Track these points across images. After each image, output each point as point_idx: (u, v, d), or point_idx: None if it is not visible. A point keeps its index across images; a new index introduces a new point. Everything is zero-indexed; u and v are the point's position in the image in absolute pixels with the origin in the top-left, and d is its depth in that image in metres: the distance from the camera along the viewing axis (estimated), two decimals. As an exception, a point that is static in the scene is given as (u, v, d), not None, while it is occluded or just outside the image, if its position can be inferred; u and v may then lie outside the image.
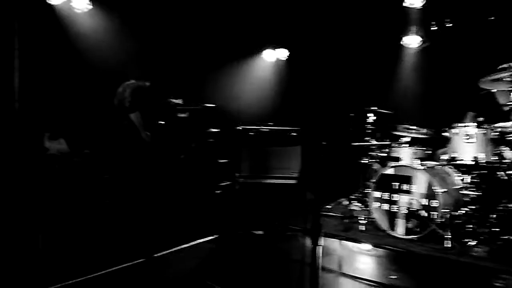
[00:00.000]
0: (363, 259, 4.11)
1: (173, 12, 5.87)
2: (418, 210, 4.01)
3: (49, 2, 4.77)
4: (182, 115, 5.63)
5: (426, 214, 3.95)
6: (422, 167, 4.08)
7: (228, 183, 5.96)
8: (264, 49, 7.37)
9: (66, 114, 5.23)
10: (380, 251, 4.02)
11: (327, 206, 5.08)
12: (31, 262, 2.55)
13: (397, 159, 4.61)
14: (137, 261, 3.73)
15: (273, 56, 7.46)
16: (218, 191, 5.88)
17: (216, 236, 4.44)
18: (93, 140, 5.34)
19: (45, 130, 4.56)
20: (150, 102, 5.42)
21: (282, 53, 7.45)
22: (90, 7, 5.22)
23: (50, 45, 2.40)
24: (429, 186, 3.96)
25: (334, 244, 4.03)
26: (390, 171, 4.26)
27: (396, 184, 4.18)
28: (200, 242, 4.32)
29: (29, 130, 2.19)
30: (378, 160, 5.03)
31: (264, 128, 5.60)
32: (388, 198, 4.21)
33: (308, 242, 2.17)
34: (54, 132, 4.95)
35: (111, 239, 4.27)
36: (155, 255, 3.89)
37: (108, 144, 5.25)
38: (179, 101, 5.70)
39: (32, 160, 2.23)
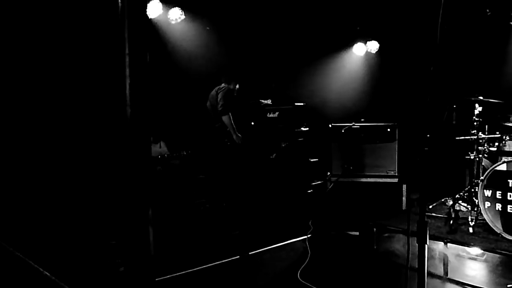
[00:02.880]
0: (473, 265, 3.75)
1: (260, 14, 5.96)
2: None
3: (148, 15, 5.18)
4: (272, 115, 5.69)
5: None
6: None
7: (320, 182, 5.87)
8: (355, 43, 7.11)
9: (165, 118, 5.62)
10: (493, 256, 3.64)
11: (429, 206, 4.72)
12: (143, 254, 2.83)
13: (511, 153, 4.12)
14: (232, 259, 3.86)
15: (363, 50, 7.16)
16: (310, 191, 5.83)
17: (309, 236, 4.39)
18: (189, 143, 5.66)
19: (149, 134, 4.95)
20: (240, 104, 5.57)
21: (373, 46, 7.11)
22: (183, 17, 5.53)
23: (149, 54, 2.61)
24: (554, 184, 3.46)
25: (438, 247, 3.73)
26: (503, 167, 3.82)
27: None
28: (292, 242, 4.32)
29: (138, 134, 2.41)
30: (487, 155, 4.53)
31: (356, 125, 5.39)
32: (502, 197, 3.78)
33: (408, 244, 2.02)
34: (155, 136, 5.36)
35: (207, 236, 4.47)
36: (250, 253, 3.98)
37: (202, 146, 5.52)
38: (268, 101, 5.78)
39: (142, 163, 2.44)
